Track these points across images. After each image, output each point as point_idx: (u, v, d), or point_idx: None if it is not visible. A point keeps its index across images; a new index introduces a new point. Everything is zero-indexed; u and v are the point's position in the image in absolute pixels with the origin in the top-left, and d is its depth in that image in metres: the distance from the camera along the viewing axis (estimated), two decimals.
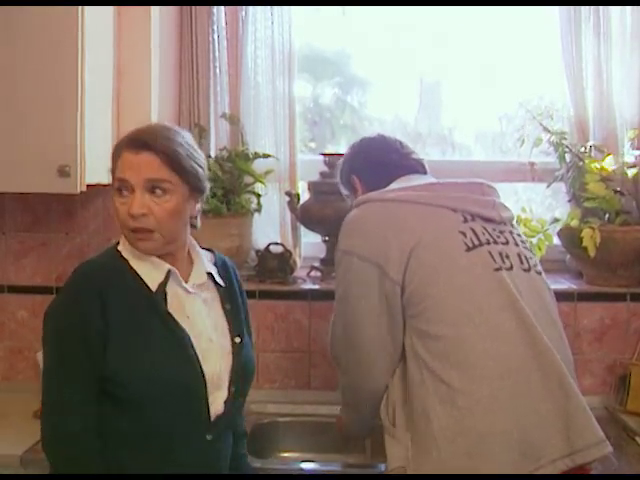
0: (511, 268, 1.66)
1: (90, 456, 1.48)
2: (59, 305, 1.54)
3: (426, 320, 1.59)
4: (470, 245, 1.64)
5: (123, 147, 1.53)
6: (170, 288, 1.57)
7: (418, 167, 1.90)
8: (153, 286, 1.55)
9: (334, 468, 2.04)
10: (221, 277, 1.69)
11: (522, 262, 1.69)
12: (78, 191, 2.06)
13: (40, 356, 2.23)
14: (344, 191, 2.04)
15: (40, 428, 1.51)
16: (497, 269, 1.63)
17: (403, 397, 1.63)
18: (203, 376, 1.53)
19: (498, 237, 1.69)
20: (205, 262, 1.67)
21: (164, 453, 1.51)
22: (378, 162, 1.92)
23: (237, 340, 1.64)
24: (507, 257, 1.67)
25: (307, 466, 2.04)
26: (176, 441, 1.52)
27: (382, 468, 1.81)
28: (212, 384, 1.55)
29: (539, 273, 1.74)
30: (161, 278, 1.56)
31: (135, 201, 1.50)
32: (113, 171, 1.55)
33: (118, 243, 1.61)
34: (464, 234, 1.65)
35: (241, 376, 1.62)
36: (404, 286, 1.62)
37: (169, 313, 1.54)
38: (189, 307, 1.59)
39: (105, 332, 1.48)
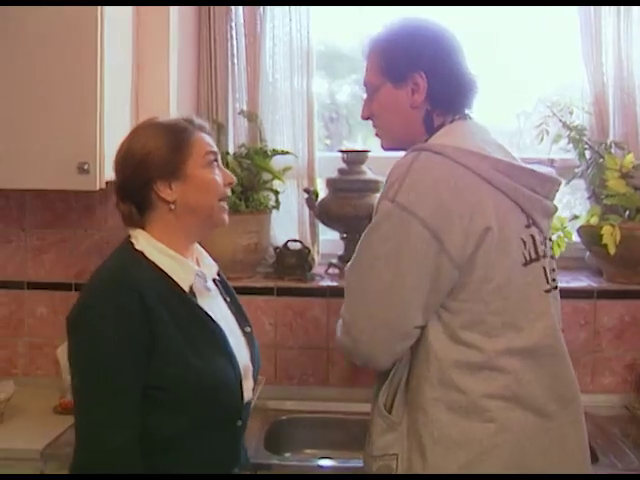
0: (555, 288, 1.54)
1: (135, 467, 1.40)
2: (92, 314, 1.41)
3: (461, 321, 1.44)
4: (527, 258, 1.47)
5: (190, 129, 1.54)
6: (195, 287, 1.54)
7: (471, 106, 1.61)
8: (186, 287, 1.51)
9: (352, 465, 2.01)
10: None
11: (555, 279, 1.56)
12: (97, 188, 2.07)
13: (60, 352, 2.27)
14: (377, 81, 1.56)
15: (76, 448, 1.41)
16: (547, 290, 1.50)
17: (405, 384, 1.51)
18: (238, 368, 1.54)
19: (546, 248, 1.53)
20: (207, 257, 1.67)
21: (199, 444, 1.48)
22: (457, 72, 1.53)
23: (247, 330, 1.66)
24: (553, 271, 1.54)
25: (325, 463, 2.04)
26: (212, 430, 1.50)
27: None
28: (243, 375, 1.55)
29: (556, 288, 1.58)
30: (191, 279, 1.52)
31: (228, 171, 1.59)
32: (189, 147, 1.52)
33: (130, 243, 1.53)
34: (524, 243, 1.47)
35: (257, 363, 1.65)
36: (462, 273, 1.41)
37: (206, 312, 1.51)
38: (214, 304, 1.59)
39: (149, 338, 1.41)
